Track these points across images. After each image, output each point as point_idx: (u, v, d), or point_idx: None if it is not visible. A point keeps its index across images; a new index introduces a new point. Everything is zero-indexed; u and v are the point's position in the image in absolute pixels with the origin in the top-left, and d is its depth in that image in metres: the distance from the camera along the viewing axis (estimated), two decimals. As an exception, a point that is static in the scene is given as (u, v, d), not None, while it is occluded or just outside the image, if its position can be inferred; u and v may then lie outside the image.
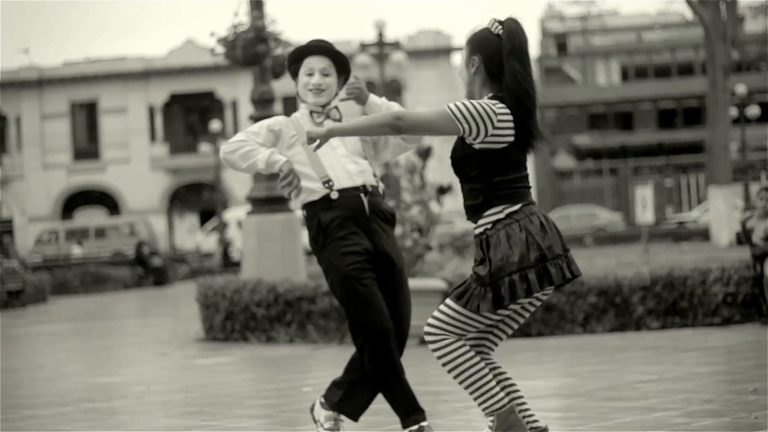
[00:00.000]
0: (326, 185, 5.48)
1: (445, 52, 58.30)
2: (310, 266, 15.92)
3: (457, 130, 4.54)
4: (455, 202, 62.11)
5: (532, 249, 4.50)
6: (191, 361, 11.78)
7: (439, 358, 4.69)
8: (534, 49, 76.99)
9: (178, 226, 59.89)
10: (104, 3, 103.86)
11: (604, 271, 13.21)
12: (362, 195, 5.51)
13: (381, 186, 5.67)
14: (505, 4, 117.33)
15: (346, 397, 5.64)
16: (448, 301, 4.69)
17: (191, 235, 56.51)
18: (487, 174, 4.59)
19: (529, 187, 4.68)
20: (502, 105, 4.59)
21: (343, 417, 5.69)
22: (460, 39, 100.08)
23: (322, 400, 5.72)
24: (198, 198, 59.59)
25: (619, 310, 12.15)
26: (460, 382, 4.68)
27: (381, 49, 32.44)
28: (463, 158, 4.63)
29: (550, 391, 7.86)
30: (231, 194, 55.83)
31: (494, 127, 4.54)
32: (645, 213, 20.86)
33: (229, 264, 38.91)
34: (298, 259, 14.73)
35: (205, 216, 58.28)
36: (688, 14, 45.11)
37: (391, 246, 5.56)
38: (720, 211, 31.72)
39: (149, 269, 35.22)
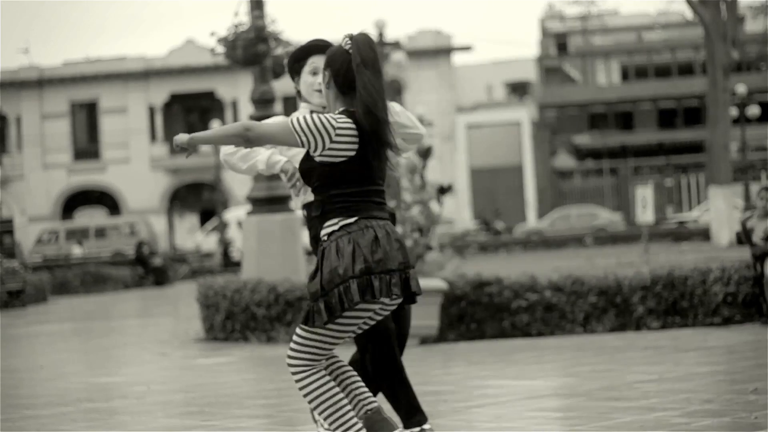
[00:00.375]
0: None
1: (445, 52, 58.29)
2: (311, 266, 15.92)
3: (297, 142, 4.64)
4: (455, 202, 61.80)
5: (357, 261, 4.57)
6: (191, 361, 11.78)
7: (300, 388, 4.81)
8: (534, 49, 77.05)
9: (178, 226, 59.90)
10: (104, 3, 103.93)
11: (604, 271, 13.21)
12: None
13: (384, 184, 5.64)
14: (505, 4, 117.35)
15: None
16: (297, 329, 4.79)
17: (191, 235, 56.51)
18: (325, 187, 4.69)
19: (376, 202, 4.74)
20: (346, 119, 4.67)
21: None
22: (460, 39, 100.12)
23: None
24: (198, 198, 59.60)
25: (619, 310, 12.15)
26: (317, 409, 4.77)
27: (381, 49, 32.49)
28: (308, 170, 4.73)
29: (550, 391, 7.86)
30: (231, 194, 55.83)
31: (332, 141, 4.62)
32: (645, 213, 20.86)
33: (230, 264, 38.92)
34: (298, 259, 14.73)
35: (205, 216, 58.29)
36: (688, 14, 45.19)
37: None
38: (720, 211, 31.73)
39: (149, 269, 35.25)
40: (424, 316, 11.92)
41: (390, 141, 4.71)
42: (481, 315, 12.40)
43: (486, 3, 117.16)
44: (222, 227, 44.97)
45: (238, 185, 53.90)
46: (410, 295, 4.71)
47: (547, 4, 69.88)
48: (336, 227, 4.65)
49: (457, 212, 55.25)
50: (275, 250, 14.50)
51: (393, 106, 5.60)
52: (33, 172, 58.68)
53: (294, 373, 4.80)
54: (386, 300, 4.65)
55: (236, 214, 45.37)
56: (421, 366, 9.74)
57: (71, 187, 58.96)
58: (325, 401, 4.72)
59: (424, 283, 12.06)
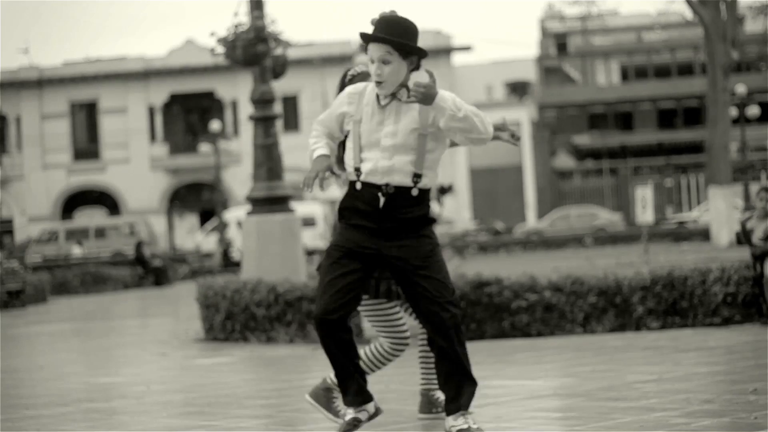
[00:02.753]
0: (356, 172, 5.47)
1: (445, 52, 58.30)
2: (310, 266, 15.93)
3: None
4: (455, 202, 61.77)
5: None
6: (191, 361, 11.78)
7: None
8: (534, 49, 77.00)
9: (178, 226, 59.89)
10: (104, 3, 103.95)
11: (603, 271, 13.19)
12: (380, 194, 5.42)
13: (422, 184, 5.47)
14: (505, 4, 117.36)
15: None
16: None
17: (191, 235, 56.51)
18: None
19: None
20: None
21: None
22: (460, 39, 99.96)
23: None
24: (198, 198, 59.60)
25: (619, 310, 12.15)
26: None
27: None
28: None
29: (550, 391, 7.85)
30: (231, 194, 55.83)
31: None
32: (645, 213, 20.85)
33: (229, 264, 38.92)
34: (298, 259, 14.72)
35: (205, 216, 58.28)
36: (688, 14, 45.17)
37: (398, 246, 5.44)
38: (720, 211, 31.72)
39: (149, 269, 35.24)
40: (424, 316, 11.91)
41: None
42: (480, 315, 12.40)
43: (486, 3, 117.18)
44: (222, 227, 44.95)
45: (238, 185, 53.92)
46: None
47: (547, 4, 69.92)
48: None
49: (457, 212, 55.25)
50: (275, 250, 14.49)
51: (461, 104, 5.44)
52: (33, 172, 58.68)
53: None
54: None
55: (236, 214, 45.36)
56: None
57: (71, 187, 58.97)
58: None
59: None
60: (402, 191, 5.42)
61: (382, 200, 5.42)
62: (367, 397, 5.66)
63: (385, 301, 6.10)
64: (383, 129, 5.45)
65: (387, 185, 5.41)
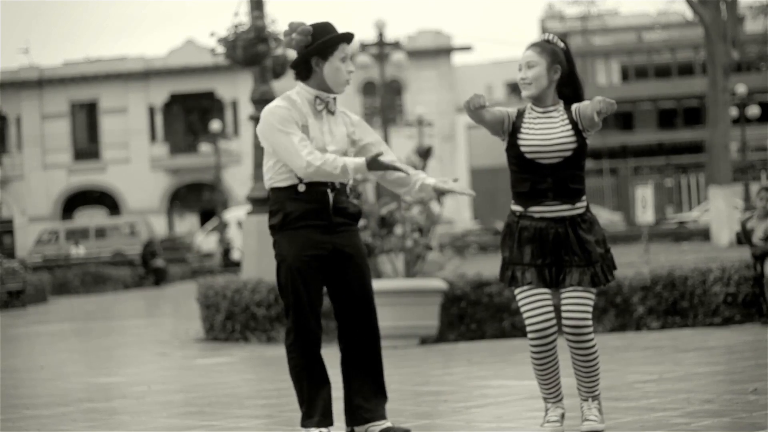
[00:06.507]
0: (298, 176, 5.53)
1: (445, 52, 58.27)
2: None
3: None
4: (455, 202, 61.50)
5: None
6: (191, 361, 11.78)
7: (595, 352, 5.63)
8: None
9: (178, 226, 59.89)
10: (104, 3, 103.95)
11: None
12: (329, 191, 5.58)
13: (351, 182, 5.77)
14: (505, 4, 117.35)
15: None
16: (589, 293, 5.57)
17: (191, 235, 56.51)
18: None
19: None
20: None
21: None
22: (460, 39, 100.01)
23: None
24: (198, 198, 59.58)
25: (619, 310, 12.15)
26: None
27: (381, 49, 32.45)
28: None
29: (550, 391, 7.84)
30: (231, 194, 55.82)
31: None
32: (645, 213, 20.85)
33: (229, 264, 38.91)
34: (298, 259, 14.71)
35: (205, 216, 58.28)
36: (688, 14, 45.19)
37: (348, 240, 5.63)
38: (720, 211, 31.72)
39: (150, 269, 35.27)
40: (425, 316, 11.92)
41: None
42: (481, 315, 12.40)
43: (486, 3, 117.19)
44: (222, 227, 44.94)
45: (238, 185, 53.89)
46: None
47: (547, 4, 69.83)
48: None
49: (457, 212, 55.25)
50: (275, 250, 14.49)
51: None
52: (33, 172, 58.68)
53: (592, 338, 5.54)
54: None
55: (236, 214, 45.36)
56: (421, 366, 9.75)
57: (71, 187, 58.96)
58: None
59: (424, 283, 12.06)
60: (343, 187, 5.66)
61: (331, 196, 5.58)
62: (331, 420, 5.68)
63: None
64: (326, 136, 5.66)
65: (333, 183, 5.61)
